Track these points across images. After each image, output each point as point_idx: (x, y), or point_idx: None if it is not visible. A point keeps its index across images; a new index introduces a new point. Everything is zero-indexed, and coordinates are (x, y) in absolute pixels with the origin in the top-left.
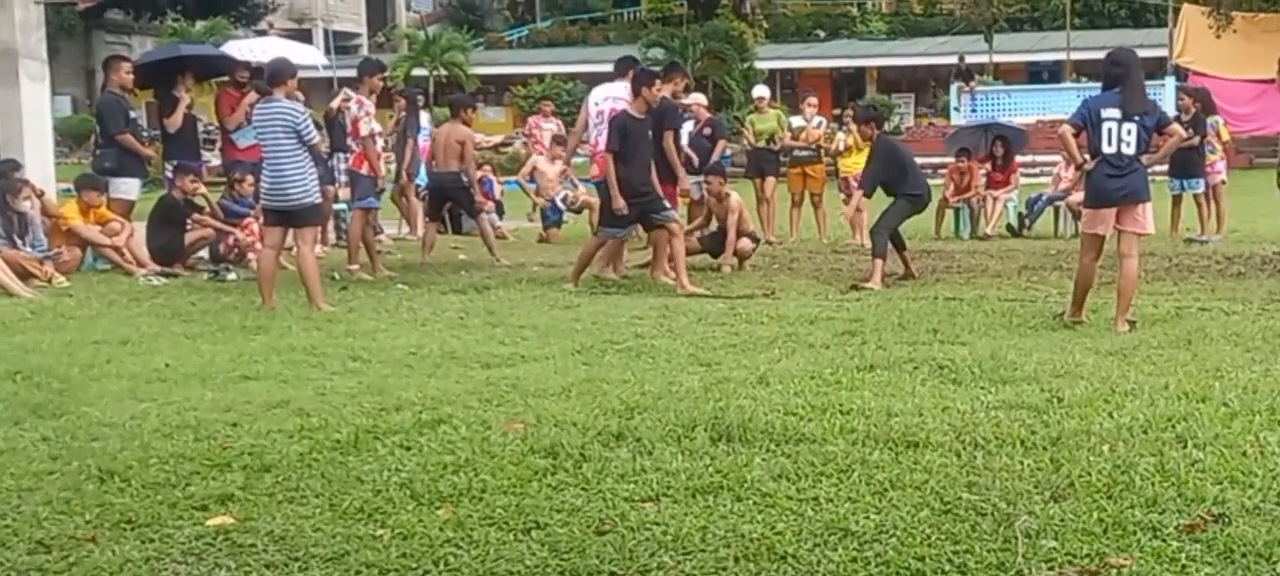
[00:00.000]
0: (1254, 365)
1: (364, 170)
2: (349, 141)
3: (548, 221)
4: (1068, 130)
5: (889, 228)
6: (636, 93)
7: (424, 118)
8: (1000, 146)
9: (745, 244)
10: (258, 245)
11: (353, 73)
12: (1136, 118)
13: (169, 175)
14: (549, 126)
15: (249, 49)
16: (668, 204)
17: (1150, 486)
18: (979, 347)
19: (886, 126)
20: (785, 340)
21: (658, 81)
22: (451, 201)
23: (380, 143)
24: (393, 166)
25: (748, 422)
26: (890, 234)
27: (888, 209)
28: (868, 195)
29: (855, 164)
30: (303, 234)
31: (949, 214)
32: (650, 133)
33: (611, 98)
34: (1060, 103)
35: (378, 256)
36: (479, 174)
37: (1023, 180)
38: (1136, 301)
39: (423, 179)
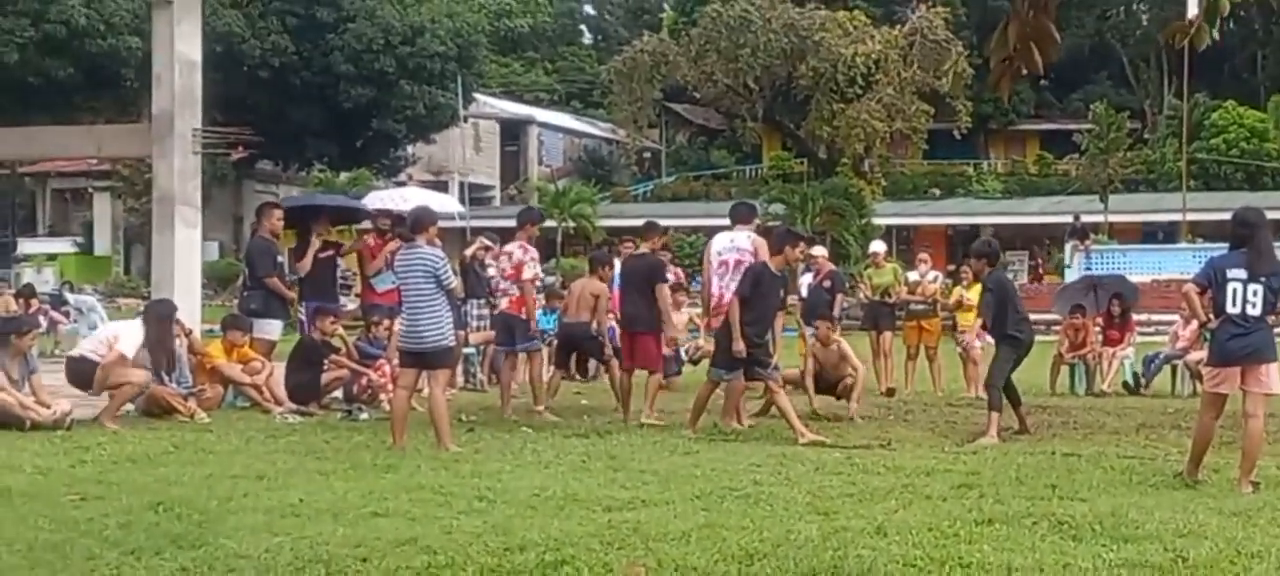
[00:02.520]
0: None
1: (522, 313)
2: (505, 283)
3: (668, 371)
4: (1192, 289)
5: (1002, 377)
6: (778, 250)
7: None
8: (1117, 304)
9: (847, 379)
10: (390, 386)
11: (486, 222)
12: (1263, 278)
13: (302, 317)
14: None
15: (390, 198)
16: (775, 361)
17: None
18: (1099, 504)
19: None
20: (902, 491)
21: (802, 244)
22: (579, 350)
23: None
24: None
25: (867, 573)
26: (1008, 388)
27: (994, 359)
28: (988, 328)
29: (970, 318)
30: (436, 376)
31: (1064, 369)
32: (781, 290)
33: (734, 247)
34: (1175, 263)
35: (508, 400)
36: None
37: (1139, 337)
38: (1260, 462)
39: (548, 323)
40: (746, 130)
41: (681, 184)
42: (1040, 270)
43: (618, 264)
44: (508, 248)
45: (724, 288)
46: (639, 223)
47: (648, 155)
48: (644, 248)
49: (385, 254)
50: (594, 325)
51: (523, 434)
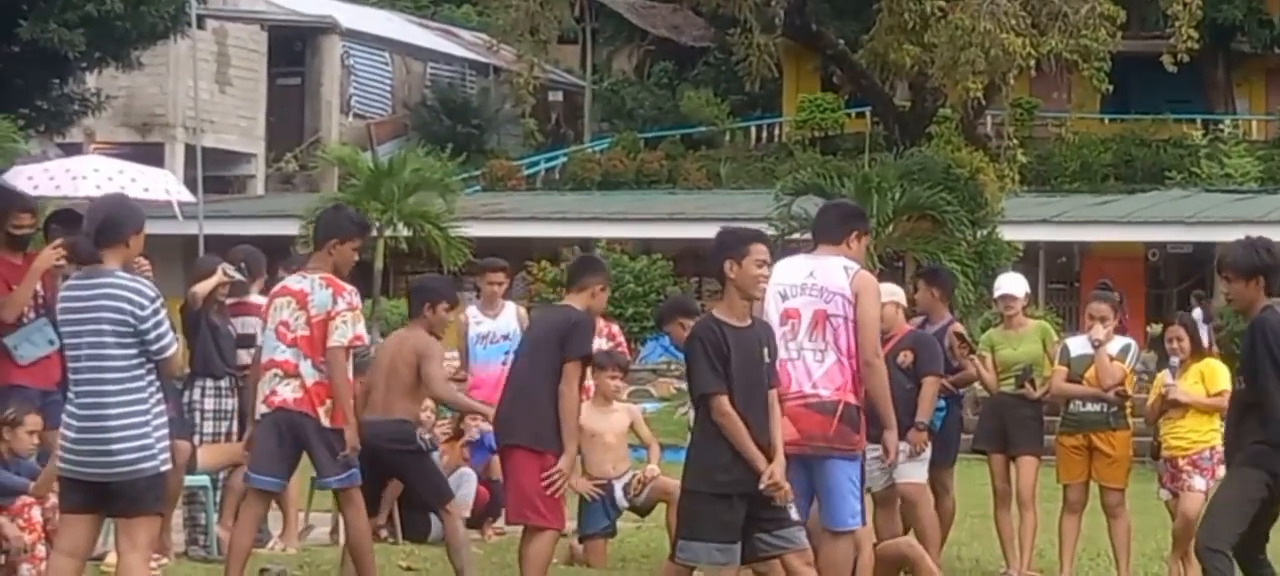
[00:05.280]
0: None
1: (322, 414)
2: (286, 351)
3: (589, 526)
4: None
5: (1233, 534)
6: (720, 276)
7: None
8: None
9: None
10: (39, 553)
11: (238, 227)
12: None
13: None
14: (598, 342)
15: (48, 175)
16: (793, 505)
17: None
18: None
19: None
20: None
21: (752, 248)
22: (397, 476)
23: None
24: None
25: None
26: (1244, 552)
27: (1221, 491)
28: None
29: (1190, 433)
30: (131, 531)
31: None
32: (765, 353)
33: (815, 285)
34: None
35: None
36: (468, 430)
37: None
38: None
39: None
40: (752, 51)
41: (621, 154)
42: None
43: (471, 313)
44: (297, 282)
45: (806, 363)
46: (533, 233)
47: (557, 99)
48: (573, 300)
49: (33, 287)
50: (421, 422)
51: None
